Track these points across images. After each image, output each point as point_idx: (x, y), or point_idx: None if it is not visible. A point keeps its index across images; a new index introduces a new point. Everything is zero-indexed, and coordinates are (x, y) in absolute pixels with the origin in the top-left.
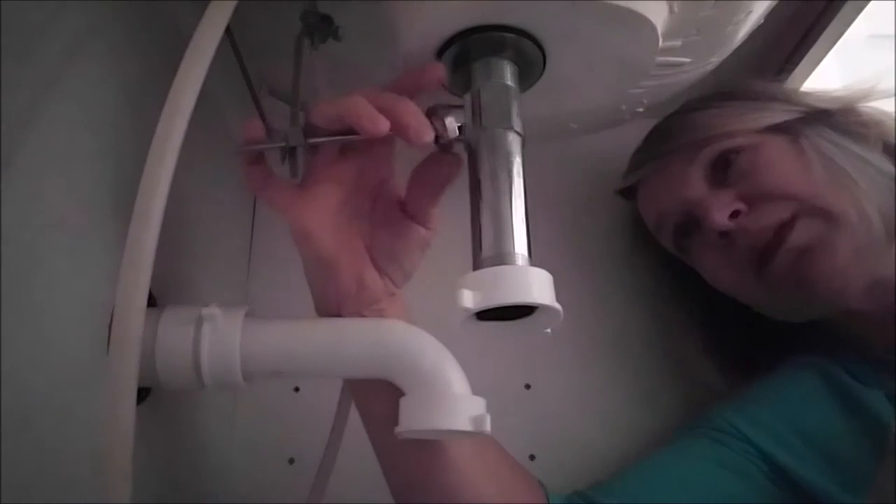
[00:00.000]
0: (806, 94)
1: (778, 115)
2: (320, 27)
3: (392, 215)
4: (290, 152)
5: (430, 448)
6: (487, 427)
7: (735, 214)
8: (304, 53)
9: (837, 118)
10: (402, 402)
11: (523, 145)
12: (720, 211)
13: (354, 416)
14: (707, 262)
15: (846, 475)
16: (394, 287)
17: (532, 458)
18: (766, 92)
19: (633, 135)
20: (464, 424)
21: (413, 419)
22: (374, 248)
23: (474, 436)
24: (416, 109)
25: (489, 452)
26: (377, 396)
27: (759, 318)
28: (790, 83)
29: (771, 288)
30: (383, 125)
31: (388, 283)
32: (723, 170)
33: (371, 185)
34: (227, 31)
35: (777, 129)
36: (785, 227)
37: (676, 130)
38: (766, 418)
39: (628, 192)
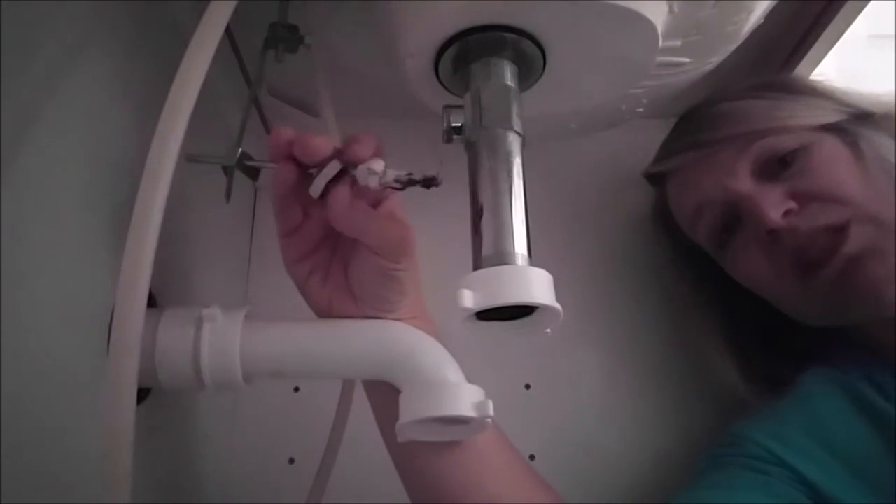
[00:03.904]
0: (851, 94)
1: (831, 114)
2: (286, 37)
3: (355, 249)
4: (224, 170)
5: (445, 448)
6: (490, 410)
7: (787, 213)
8: (267, 64)
9: (881, 122)
10: (402, 397)
11: (523, 145)
12: (774, 208)
13: (354, 416)
14: (746, 260)
15: (879, 495)
16: (379, 313)
17: (532, 458)
18: (814, 88)
19: (636, 134)
20: (466, 410)
21: (414, 410)
22: (349, 279)
23: (477, 426)
24: (312, 142)
25: (506, 452)
26: (394, 398)
27: (782, 324)
28: None
29: (815, 294)
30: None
31: (367, 309)
32: (776, 166)
33: None
34: (227, 30)
35: (830, 128)
36: (839, 235)
37: (724, 119)
38: (800, 439)
39: (655, 178)
